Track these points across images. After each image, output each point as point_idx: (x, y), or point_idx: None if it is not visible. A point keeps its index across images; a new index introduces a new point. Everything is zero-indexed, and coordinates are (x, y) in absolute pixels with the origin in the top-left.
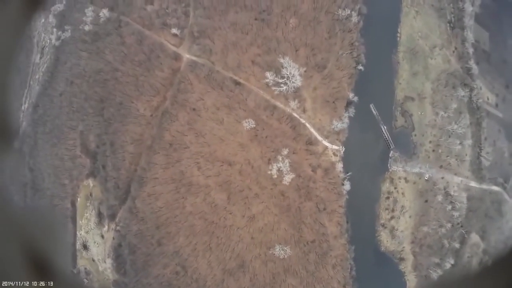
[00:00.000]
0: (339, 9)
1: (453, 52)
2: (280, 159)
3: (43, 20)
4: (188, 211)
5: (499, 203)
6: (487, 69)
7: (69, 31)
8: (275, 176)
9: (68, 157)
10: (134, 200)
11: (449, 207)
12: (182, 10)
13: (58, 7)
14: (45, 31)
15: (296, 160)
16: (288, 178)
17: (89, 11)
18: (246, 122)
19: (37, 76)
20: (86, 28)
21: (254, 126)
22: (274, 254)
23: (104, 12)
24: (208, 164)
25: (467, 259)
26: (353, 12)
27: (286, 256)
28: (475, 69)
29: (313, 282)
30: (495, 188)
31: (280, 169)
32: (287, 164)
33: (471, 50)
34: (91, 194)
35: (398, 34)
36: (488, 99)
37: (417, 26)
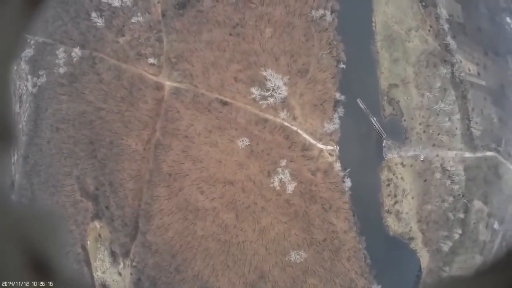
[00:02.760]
0: (312, 10)
1: (429, 31)
2: (280, 170)
3: (15, 68)
4: (200, 235)
5: (495, 167)
6: (464, 41)
7: (44, 76)
8: (278, 188)
9: (70, 204)
10: (145, 235)
11: (448, 181)
12: (155, 37)
13: (28, 52)
14: (20, 78)
15: (295, 168)
16: (290, 187)
17: (61, 53)
18: (240, 141)
19: (20, 126)
20: (61, 70)
21: (249, 143)
22: (291, 259)
23: (76, 51)
24: (210, 187)
25: (473, 225)
26: (326, 11)
27: (302, 260)
28: (452, 44)
29: (332, 278)
30: (489, 153)
31: (282, 180)
32: (287, 174)
33: (446, 26)
34: (100, 236)
35: (373, 24)
36: (469, 70)
37: (390, 12)
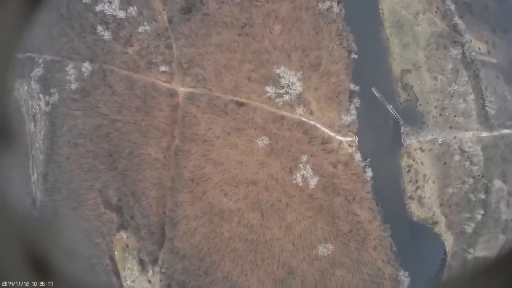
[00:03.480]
0: (319, 3)
1: (436, 12)
2: (301, 166)
3: (26, 88)
4: (227, 237)
5: None
6: (472, 20)
7: (56, 93)
8: (301, 183)
9: (94, 217)
10: (172, 241)
11: (467, 163)
12: (164, 45)
13: (38, 71)
14: (32, 98)
15: (316, 162)
16: (313, 181)
17: (70, 69)
18: (260, 140)
19: (37, 145)
20: (73, 86)
21: (268, 141)
22: (318, 253)
23: (86, 66)
24: (233, 189)
25: (494, 205)
26: (333, 2)
27: (329, 252)
28: (460, 24)
29: (359, 268)
30: (505, 131)
31: (304, 175)
32: (309, 169)
33: (452, 6)
34: (127, 246)
35: (381, 11)
36: (479, 49)
37: None
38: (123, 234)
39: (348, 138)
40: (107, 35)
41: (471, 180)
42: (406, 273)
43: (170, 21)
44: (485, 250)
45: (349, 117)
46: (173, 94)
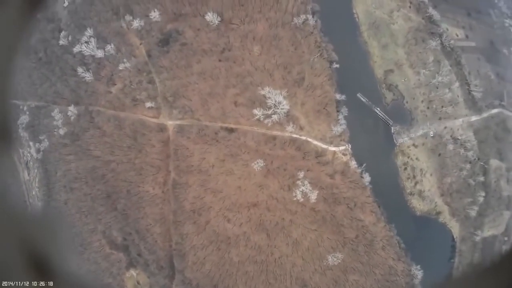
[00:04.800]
0: (293, 17)
1: (410, 7)
2: (300, 182)
3: (14, 136)
4: (237, 262)
5: (503, 122)
6: (446, 8)
7: (46, 140)
8: (302, 199)
9: (101, 258)
10: (183, 273)
11: (462, 150)
12: (146, 80)
13: (24, 119)
14: (21, 146)
15: (313, 176)
16: (313, 195)
17: (56, 114)
18: (254, 163)
19: (33, 193)
20: (61, 131)
21: (263, 163)
22: (329, 263)
23: (71, 110)
24: (236, 214)
25: (494, 184)
26: (307, 15)
27: (339, 260)
28: (435, 14)
29: (371, 270)
30: (494, 111)
31: (303, 191)
32: (308, 184)
33: None
34: (138, 283)
35: (355, 15)
36: (457, 35)
37: None
38: (133, 272)
39: (341, 147)
40: (88, 76)
41: (468, 166)
42: (418, 267)
43: (149, 55)
44: (492, 229)
45: (339, 127)
46: (162, 128)
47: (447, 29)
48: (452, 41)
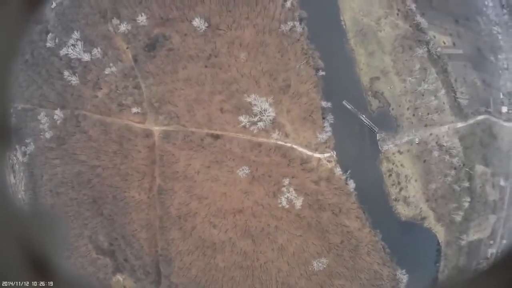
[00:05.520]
0: (281, 24)
1: (398, 15)
2: (285, 189)
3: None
4: (223, 267)
5: (489, 128)
6: (434, 15)
7: (32, 143)
8: (287, 206)
9: (88, 263)
10: (169, 278)
11: (447, 156)
12: (132, 85)
13: (11, 121)
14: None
15: (298, 183)
16: (298, 202)
17: (43, 117)
18: (240, 170)
19: (19, 196)
20: (47, 135)
21: (249, 170)
22: (314, 268)
23: (57, 113)
24: (221, 220)
25: (480, 189)
26: (295, 22)
27: (325, 266)
28: (423, 22)
29: (356, 274)
30: (480, 117)
31: (288, 198)
32: (293, 191)
33: (413, 6)
34: (124, 287)
35: (343, 22)
36: (444, 43)
37: (356, 6)
38: (119, 277)
39: (326, 154)
40: (74, 79)
41: (453, 172)
42: (404, 271)
43: (135, 60)
44: (478, 232)
45: (325, 134)
46: (148, 134)
47: (435, 37)
48: (439, 49)
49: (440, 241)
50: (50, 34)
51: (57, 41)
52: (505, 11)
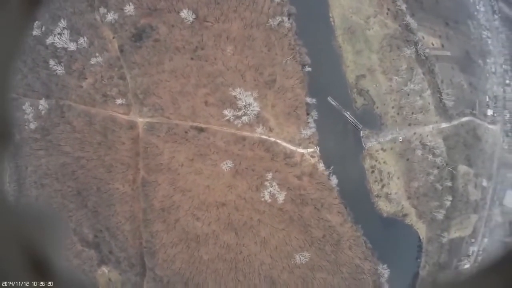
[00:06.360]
0: (269, 19)
1: (387, 14)
2: (268, 184)
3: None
4: (206, 259)
5: (473, 130)
6: (424, 16)
7: (16, 134)
8: (269, 200)
9: (73, 255)
10: (153, 270)
11: (430, 155)
12: (117, 75)
13: None
14: None
15: (281, 177)
16: (281, 196)
17: (27, 107)
18: (223, 164)
19: (4, 188)
20: (32, 126)
21: (232, 164)
22: (296, 262)
23: (42, 103)
24: (204, 213)
25: (462, 189)
26: (283, 17)
27: (307, 259)
28: (412, 22)
29: (338, 268)
30: (465, 119)
31: (271, 192)
32: (275, 185)
33: (403, 6)
34: (110, 279)
35: (331, 19)
36: (433, 44)
37: (346, 4)
38: (104, 269)
39: (310, 150)
40: (60, 69)
41: (435, 171)
42: (385, 266)
43: (121, 50)
44: (459, 231)
45: (309, 130)
46: (132, 126)
47: (423, 38)
48: (427, 50)
49: (421, 237)
50: (36, 22)
51: (43, 29)
52: (496, 16)
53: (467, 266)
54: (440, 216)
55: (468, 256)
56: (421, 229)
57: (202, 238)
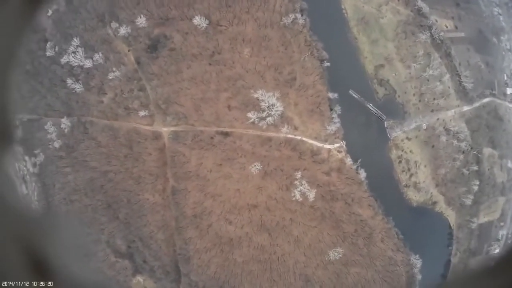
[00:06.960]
0: (282, 17)
1: (398, 0)
2: (297, 182)
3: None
4: (241, 262)
5: (495, 110)
6: None
7: (41, 153)
8: (300, 198)
9: (107, 267)
10: (188, 276)
11: (455, 141)
12: (137, 88)
13: (17, 133)
14: (17, 160)
15: (310, 175)
16: (311, 194)
17: (49, 127)
18: (252, 166)
19: (33, 207)
20: (56, 144)
21: (260, 166)
22: (330, 258)
23: (64, 122)
24: (236, 216)
25: (488, 172)
26: (296, 14)
27: (340, 255)
28: (424, 6)
29: (371, 261)
30: (485, 100)
31: (301, 191)
32: (305, 184)
33: None
34: None
35: (344, 11)
36: (446, 27)
37: None
38: (139, 278)
39: (336, 145)
40: (78, 87)
41: (461, 156)
42: (417, 256)
43: (138, 62)
44: (488, 215)
45: (333, 125)
46: (157, 136)
47: (436, 21)
48: (441, 33)
49: (451, 224)
50: (49, 42)
51: (56, 49)
52: None
53: (497, 250)
54: (468, 201)
55: (498, 240)
56: (451, 216)
57: (235, 241)
